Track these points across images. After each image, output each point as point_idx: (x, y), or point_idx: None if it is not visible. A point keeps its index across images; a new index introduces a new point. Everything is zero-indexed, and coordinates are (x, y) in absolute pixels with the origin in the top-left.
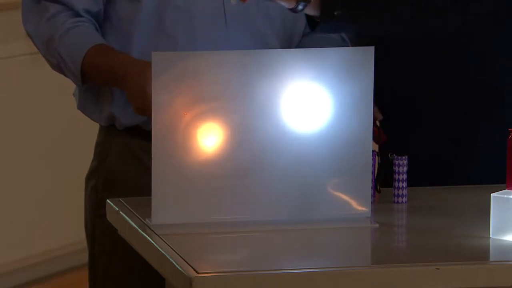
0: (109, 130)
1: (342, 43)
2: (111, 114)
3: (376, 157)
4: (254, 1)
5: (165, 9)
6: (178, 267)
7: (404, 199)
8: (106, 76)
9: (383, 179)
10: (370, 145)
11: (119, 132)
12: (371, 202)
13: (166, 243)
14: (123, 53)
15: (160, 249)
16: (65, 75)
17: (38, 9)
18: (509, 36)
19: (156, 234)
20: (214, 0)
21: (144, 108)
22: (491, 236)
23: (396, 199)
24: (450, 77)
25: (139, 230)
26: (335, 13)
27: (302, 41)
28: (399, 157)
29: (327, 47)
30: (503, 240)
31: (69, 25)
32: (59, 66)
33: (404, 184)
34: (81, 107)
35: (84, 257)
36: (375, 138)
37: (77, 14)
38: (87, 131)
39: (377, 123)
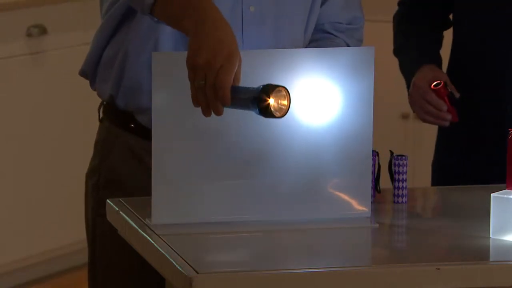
0: (110, 129)
1: None
2: (116, 85)
3: (376, 157)
4: (272, 10)
5: None
6: (178, 267)
7: (404, 199)
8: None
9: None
10: (371, 145)
11: (121, 131)
12: (371, 202)
13: (166, 243)
14: None
15: (160, 249)
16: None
17: None
18: None
19: (156, 234)
20: (234, 5)
21: (214, 64)
22: (491, 236)
23: (396, 199)
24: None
25: (139, 230)
26: None
27: (309, 46)
28: (399, 157)
29: None
30: (503, 240)
31: None
32: None
33: (404, 184)
34: (90, 73)
35: (84, 257)
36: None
37: None
38: (87, 131)
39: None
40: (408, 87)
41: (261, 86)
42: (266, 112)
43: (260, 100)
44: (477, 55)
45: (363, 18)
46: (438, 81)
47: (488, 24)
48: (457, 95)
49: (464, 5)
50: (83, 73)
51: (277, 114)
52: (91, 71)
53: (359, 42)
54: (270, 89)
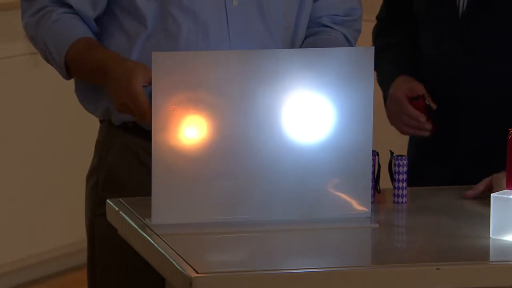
0: (109, 129)
1: (347, 44)
2: (107, 108)
3: (376, 157)
4: (256, 4)
5: (168, 8)
6: (178, 267)
7: (404, 199)
8: (89, 70)
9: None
10: (371, 145)
11: (120, 131)
12: (371, 202)
13: (166, 243)
14: (109, 50)
15: (160, 249)
16: (52, 65)
17: (32, 2)
18: None
19: (156, 234)
20: (217, 1)
21: (129, 104)
22: (491, 236)
23: (396, 199)
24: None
25: (139, 230)
26: None
27: (306, 41)
28: (399, 157)
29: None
30: (503, 240)
31: (56, 16)
32: (46, 56)
33: (404, 184)
34: (81, 99)
35: (84, 257)
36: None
37: (68, 7)
38: (88, 131)
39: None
40: (384, 99)
41: None
42: None
43: None
44: (434, 63)
45: (360, 9)
46: (417, 95)
47: (441, 34)
48: (434, 106)
49: (421, 19)
50: (82, 105)
51: None
52: (90, 107)
53: (356, 33)
54: None
